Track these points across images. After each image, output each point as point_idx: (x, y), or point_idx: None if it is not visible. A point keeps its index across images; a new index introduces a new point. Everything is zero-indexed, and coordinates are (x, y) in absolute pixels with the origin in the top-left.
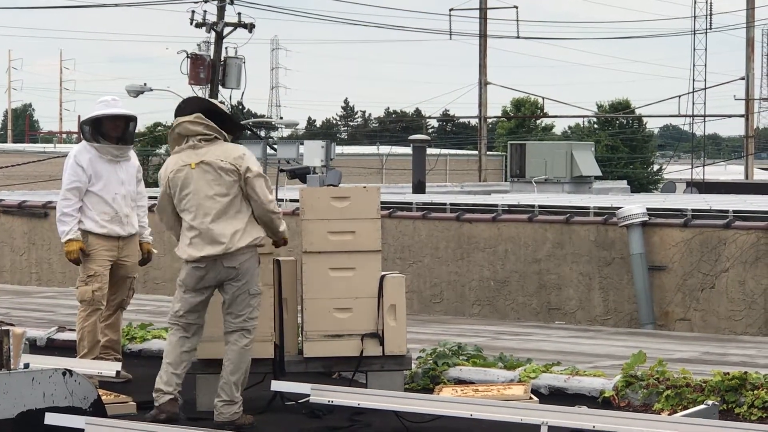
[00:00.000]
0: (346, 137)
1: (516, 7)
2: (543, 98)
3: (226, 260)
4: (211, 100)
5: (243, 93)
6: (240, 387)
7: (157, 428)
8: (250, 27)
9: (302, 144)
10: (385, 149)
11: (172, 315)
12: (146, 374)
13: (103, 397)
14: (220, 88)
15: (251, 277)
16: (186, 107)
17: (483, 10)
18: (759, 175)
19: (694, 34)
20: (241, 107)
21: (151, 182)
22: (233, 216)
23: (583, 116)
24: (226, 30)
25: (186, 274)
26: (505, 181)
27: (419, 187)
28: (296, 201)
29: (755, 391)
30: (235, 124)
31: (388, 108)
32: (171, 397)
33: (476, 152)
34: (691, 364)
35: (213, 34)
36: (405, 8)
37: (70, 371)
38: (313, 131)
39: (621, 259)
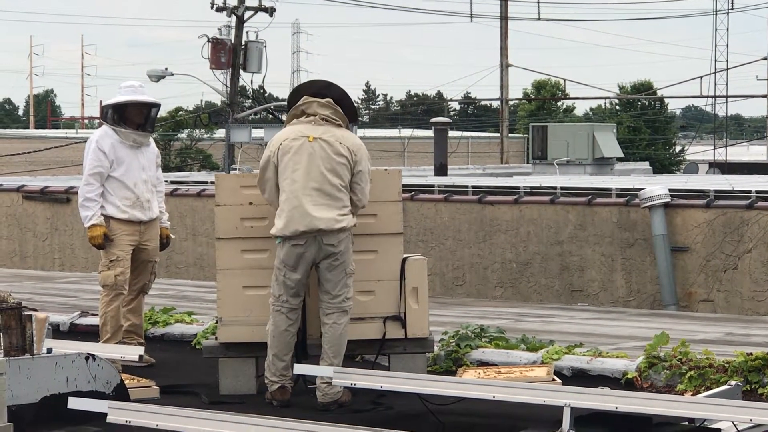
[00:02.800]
0: (367, 120)
1: None
2: (564, 80)
3: (326, 237)
4: (341, 87)
5: (264, 77)
6: (340, 365)
7: (177, 412)
8: (270, 11)
9: None
10: (406, 132)
11: (274, 300)
12: (169, 358)
13: (126, 382)
14: (241, 72)
15: (348, 257)
16: (314, 88)
17: None
18: None
19: (716, 14)
20: (262, 91)
21: (172, 167)
22: (337, 198)
23: (605, 98)
24: (247, 14)
25: (285, 253)
26: (527, 163)
27: (441, 170)
28: None
29: None
30: (353, 116)
31: (410, 91)
32: (279, 385)
33: (498, 134)
34: (714, 345)
35: (234, 18)
36: None
37: (93, 356)
38: None
39: (643, 240)
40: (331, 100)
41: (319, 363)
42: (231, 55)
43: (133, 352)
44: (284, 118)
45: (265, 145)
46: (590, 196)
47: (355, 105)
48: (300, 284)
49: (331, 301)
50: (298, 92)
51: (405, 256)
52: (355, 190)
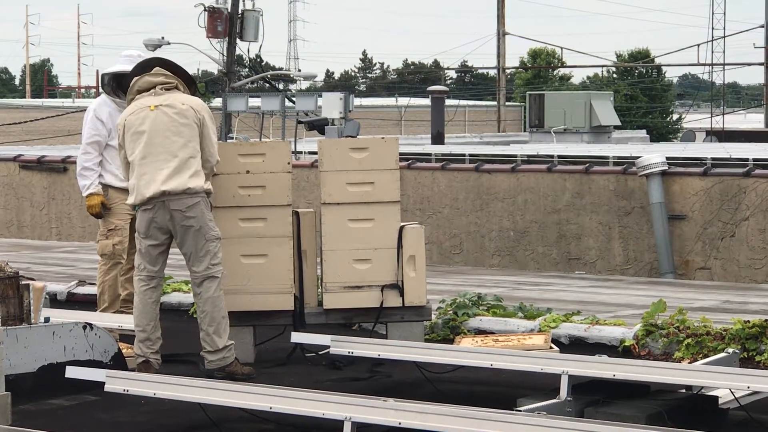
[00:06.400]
0: (364, 89)
1: None
2: (561, 48)
3: (173, 202)
4: (164, 57)
5: (261, 46)
6: (223, 334)
7: (175, 380)
8: None
9: (321, 96)
10: (403, 101)
11: (136, 269)
12: (166, 327)
13: (123, 351)
14: (237, 41)
15: (204, 222)
16: (142, 68)
17: None
18: None
19: None
20: (259, 60)
21: None
22: (185, 160)
23: (602, 66)
24: None
25: (138, 220)
26: (524, 131)
27: (438, 138)
28: (315, 153)
29: None
30: (189, 81)
31: (407, 59)
32: (143, 359)
33: (495, 103)
34: (712, 313)
35: None
36: None
37: (91, 325)
38: (331, 83)
39: (641, 208)
40: (158, 68)
41: (199, 334)
42: (227, 23)
43: (130, 321)
44: (280, 86)
45: (262, 114)
46: (587, 165)
47: (189, 72)
48: (155, 251)
49: (197, 270)
50: (123, 80)
51: (402, 224)
52: (203, 148)
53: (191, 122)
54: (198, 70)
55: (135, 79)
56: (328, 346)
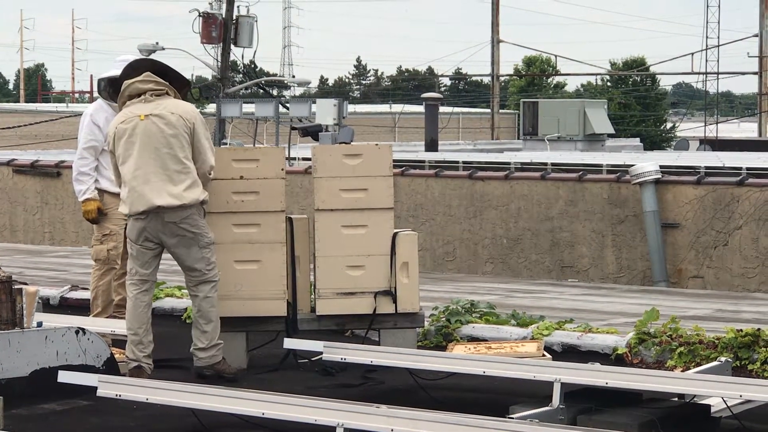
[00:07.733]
0: (358, 96)
1: None
2: (555, 56)
3: (168, 215)
4: (155, 59)
5: (255, 52)
6: (214, 333)
7: (167, 386)
8: None
9: (314, 102)
10: (397, 107)
11: (128, 274)
12: (159, 333)
13: (116, 356)
14: (232, 47)
15: (199, 231)
16: (133, 70)
17: None
18: None
19: None
20: (253, 66)
21: None
22: (178, 172)
23: (596, 74)
24: None
25: (129, 227)
26: (518, 139)
27: (432, 145)
28: (308, 159)
29: None
30: (182, 82)
31: (401, 66)
32: (135, 365)
33: (489, 110)
34: (705, 321)
35: None
36: None
37: (83, 330)
38: (325, 90)
39: (634, 216)
40: (149, 73)
41: (191, 332)
42: (222, 29)
43: (123, 326)
44: (274, 92)
45: (255, 120)
46: (581, 172)
47: (180, 73)
48: (147, 255)
49: (192, 275)
50: (119, 85)
51: (395, 231)
52: (196, 157)
53: (181, 132)
54: (192, 75)
55: (125, 84)
56: (321, 353)
